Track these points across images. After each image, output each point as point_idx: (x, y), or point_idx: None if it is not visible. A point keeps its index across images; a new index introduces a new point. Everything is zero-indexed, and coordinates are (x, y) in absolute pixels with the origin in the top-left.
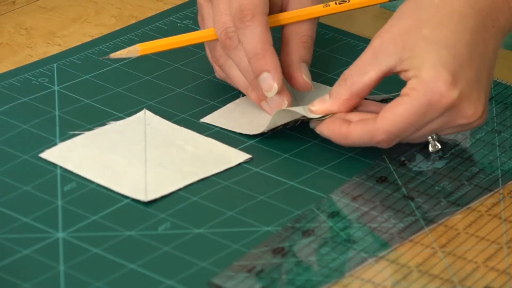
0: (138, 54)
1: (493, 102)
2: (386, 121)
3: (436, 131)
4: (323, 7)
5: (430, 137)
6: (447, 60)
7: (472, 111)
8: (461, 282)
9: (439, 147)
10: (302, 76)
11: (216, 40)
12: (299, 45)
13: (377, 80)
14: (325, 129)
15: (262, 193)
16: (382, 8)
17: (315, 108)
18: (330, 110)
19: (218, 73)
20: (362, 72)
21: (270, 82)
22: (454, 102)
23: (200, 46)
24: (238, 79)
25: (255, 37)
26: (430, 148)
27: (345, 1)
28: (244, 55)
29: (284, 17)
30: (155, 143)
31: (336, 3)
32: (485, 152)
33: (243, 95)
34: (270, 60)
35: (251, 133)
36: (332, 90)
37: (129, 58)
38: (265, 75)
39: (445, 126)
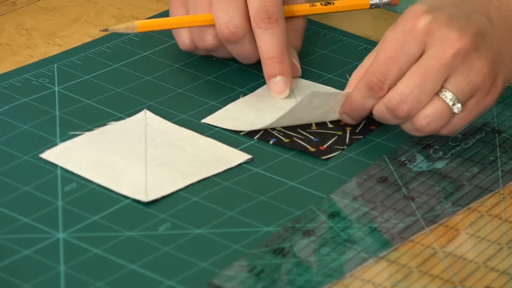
0: (136, 31)
1: None
2: (372, 63)
3: (434, 73)
4: (310, 6)
5: (447, 96)
6: (428, 1)
7: (455, 35)
8: (462, 283)
9: (460, 108)
10: (292, 59)
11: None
12: (290, 33)
13: None
14: (340, 109)
15: (262, 193)
16: (383, 9)
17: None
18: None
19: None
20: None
21: (283, 86)
22: (428, 26)
23: None
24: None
25: (276, 40)
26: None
27: (330, 3)
28: (246, 48)
29: None
30: (156, 143)
31: (322, 4)
32: (486, 153)
33: (244, 95)
34: (286, 65)
35: (253, 128)
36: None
37: (126, 34)
38: (278, 78)
39: (436, 56)
